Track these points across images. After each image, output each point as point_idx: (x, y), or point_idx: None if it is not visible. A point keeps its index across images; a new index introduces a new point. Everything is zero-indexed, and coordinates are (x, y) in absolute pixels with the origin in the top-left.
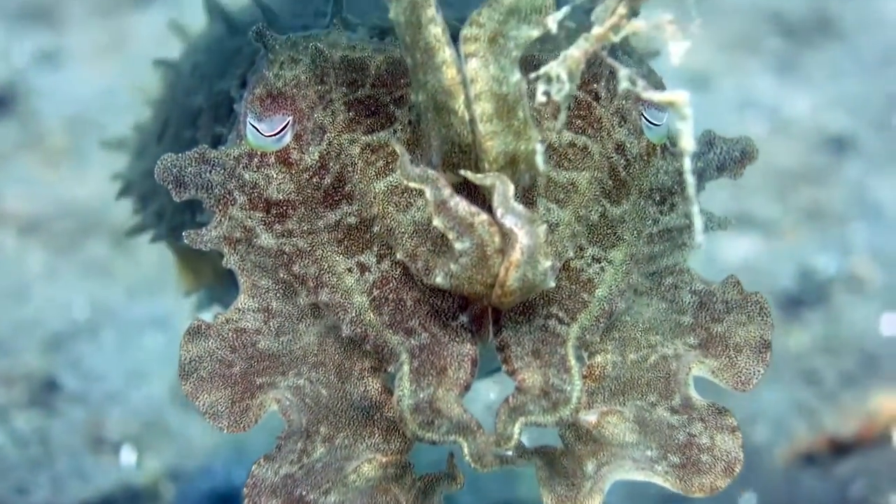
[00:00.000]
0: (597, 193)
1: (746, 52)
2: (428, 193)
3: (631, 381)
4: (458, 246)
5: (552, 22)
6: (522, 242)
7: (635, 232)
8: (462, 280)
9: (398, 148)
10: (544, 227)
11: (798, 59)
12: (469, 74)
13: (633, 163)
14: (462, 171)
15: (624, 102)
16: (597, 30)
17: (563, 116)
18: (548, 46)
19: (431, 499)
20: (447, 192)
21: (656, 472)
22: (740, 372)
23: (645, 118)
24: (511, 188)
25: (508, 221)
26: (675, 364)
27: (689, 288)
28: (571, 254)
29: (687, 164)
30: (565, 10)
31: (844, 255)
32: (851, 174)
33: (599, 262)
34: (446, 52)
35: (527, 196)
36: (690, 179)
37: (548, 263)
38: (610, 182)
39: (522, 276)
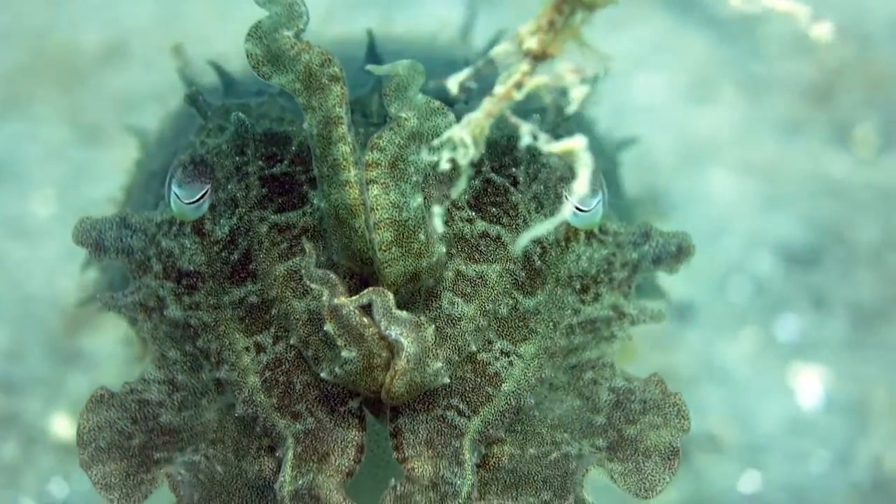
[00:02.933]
0: (507, 286)
1: None
2: (325, 297)
3: (527, 476)
4: (344, 354)
5: (453, 83)
6: (408, 351)
7: (551, 324)
8: (346, 382)
9: (307, 246)
10: (431, 329)
11: None
12: (370, 201)
13: (549, 250)
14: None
15: (542, 188)
16: (499, 89)
17: (462, 183)
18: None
19: None
20: (343, 299)
21: None
22: (646, 478)
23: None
24: (390, 299)
25: (393, 332)
26: (574, 463)
27: (608, 385)
28: (474, 348)
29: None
30: (467, 70)
31: (700, 417)
32: (695, 340)
33: (508, 356)
34: (351, 173)
35: (431, 290)
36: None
37: (438, 364)
38: (523, 273)
39: (409, 381)
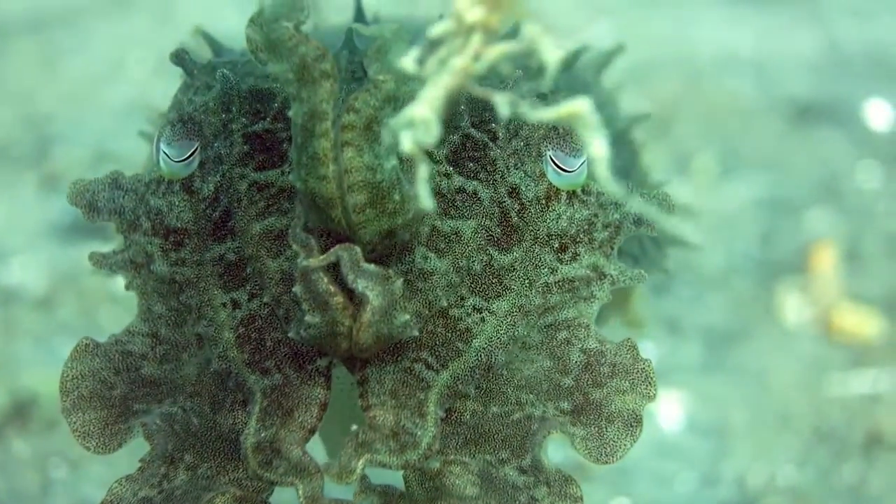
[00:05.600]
0: (482, 243)
1: None
2: (300, 258)
3: (487, 434)
4: (308, 318)
5: (408, 61)
6: (374, 304)
7: (526, 282)
8: (311, 344)
9: (298, 208)
10: (399, 281)
11: None
12: (344, 164)
13: (528, 207)
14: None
15: (523, 144)
16: (457, 61)
17: (422, 161)
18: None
19: None
20: (315, 264)
21: None
22: (607, 444)
23: (554, 163)
24: (357, 252)
25: (360, 285)
26: (536, 425)
27: (580, 346)
28: (445, 303)
29: (604, 171)
30: (417, 50)
31: (566, 446)
32: None
33: (480, 313)
34: (329, 168)
35: (406, 245)
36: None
37: (405, 317)
38: (499, 230)
39: (376, 332)
